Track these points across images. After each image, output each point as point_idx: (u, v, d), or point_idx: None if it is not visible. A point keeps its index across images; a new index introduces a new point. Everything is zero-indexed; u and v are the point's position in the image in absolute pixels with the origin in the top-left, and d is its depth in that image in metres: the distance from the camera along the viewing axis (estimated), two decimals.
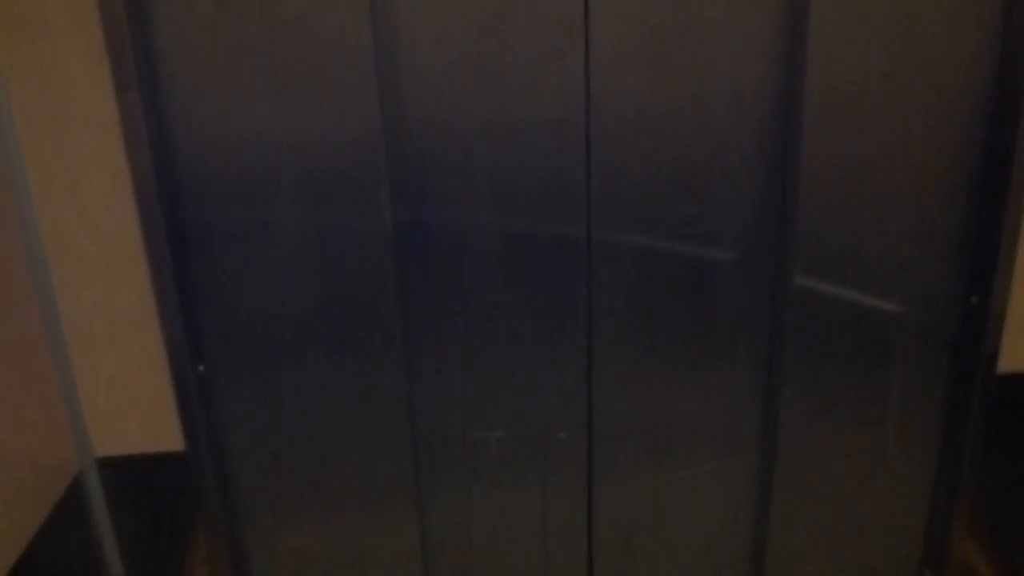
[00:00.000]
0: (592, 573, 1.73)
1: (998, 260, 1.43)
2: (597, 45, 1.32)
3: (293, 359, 1.45)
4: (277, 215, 1.35)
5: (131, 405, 1.42)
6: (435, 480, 1.61)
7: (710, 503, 1.67)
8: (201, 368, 1.38)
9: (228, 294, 1.39)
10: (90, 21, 1.21)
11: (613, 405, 1.58)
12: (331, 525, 1.62)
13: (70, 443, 1.41)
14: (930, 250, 1.48)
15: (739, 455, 1.64)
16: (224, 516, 1.53)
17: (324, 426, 1.51)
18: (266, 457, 1.53)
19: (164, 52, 1.25)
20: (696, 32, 1.34)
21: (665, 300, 1.50)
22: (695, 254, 1.47)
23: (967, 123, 1.40)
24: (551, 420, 1.57)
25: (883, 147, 1.40)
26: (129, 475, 1.49)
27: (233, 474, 1.54)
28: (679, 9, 1.32)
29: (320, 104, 1.29)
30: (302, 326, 1.43)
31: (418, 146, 1.35)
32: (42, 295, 1.32)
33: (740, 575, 1.75)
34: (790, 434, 1.59)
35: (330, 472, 1.56)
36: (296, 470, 1.55)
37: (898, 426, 1.62)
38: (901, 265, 1.48)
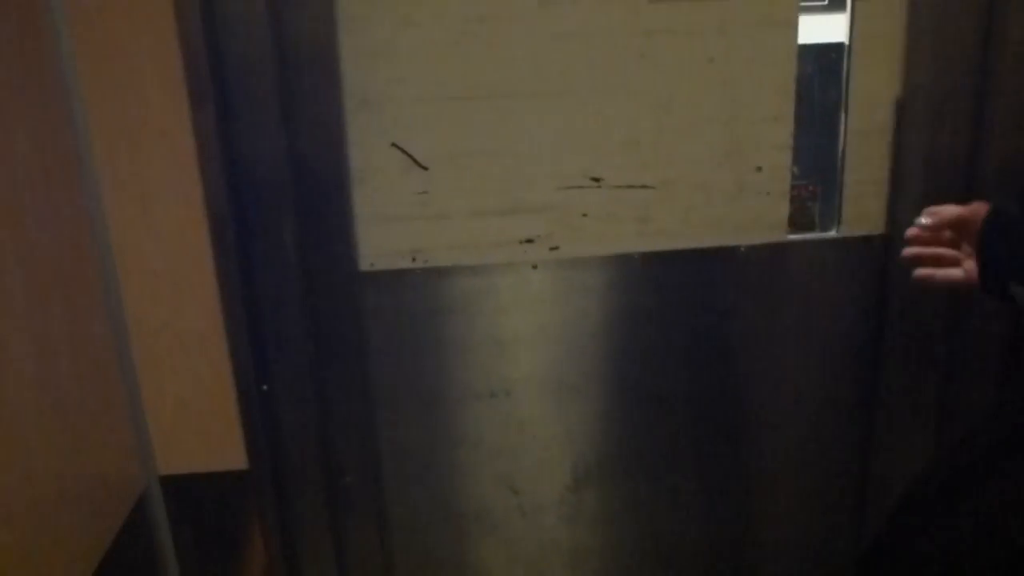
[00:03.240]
0: None
1: None
2: None
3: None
4: None
5: (196, 423, 1.43)
6: None
7: None
8: (265, 387, 1.39)
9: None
10: (168, 39, 1.23)
11: None
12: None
13: (135, 462, 1.43)
14: None
15: None
16: (283, 535, 1.54)
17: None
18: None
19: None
20: None
21: None
22: None
23: None
24: None
25: None
26: (191, 493, 1.50)
27: (294, 493, 1.55)
28: None
29: None
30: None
31: None
32: (112, 313, 1.34)
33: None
34: None
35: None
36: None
37: None
38: None
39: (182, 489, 1.49)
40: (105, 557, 1.27)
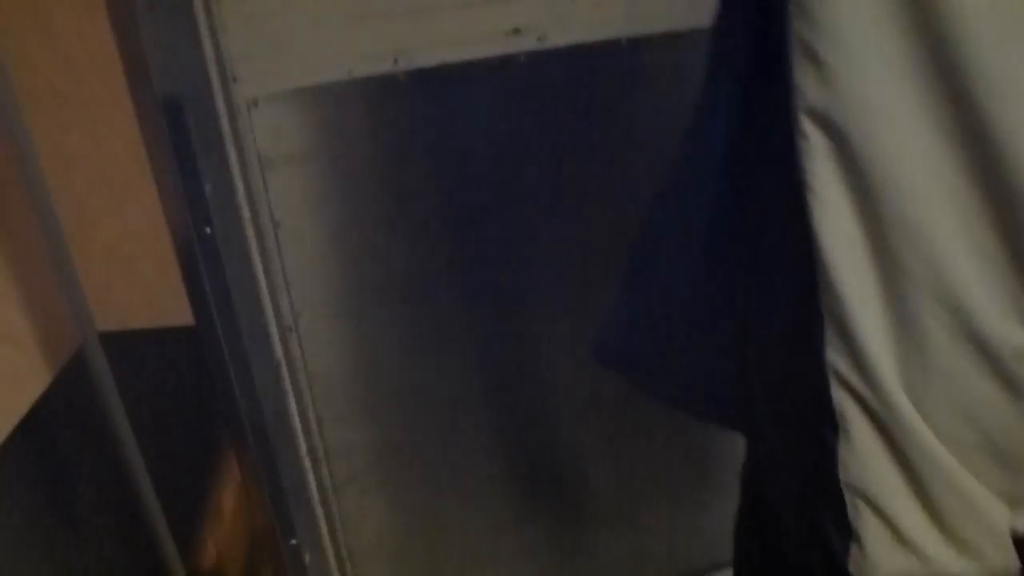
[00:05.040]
0: None
1: None
2: None
3: None
4: None
5: (131, 274, 1.22)
6: None
7: None
8: (208, 230, 1.15)
9: None
10: None
11: None
12: None
13: (66, 317, 1.23)
14: None
15: None
16: (244, 395, 1.36)
17: None
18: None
19: None
20: None
21: None
22: None
23: None
24: None
25: None
26: (138, 351, 1.32)
27: (252, 349, 1.35)
28: None
29: None
30: None
31: None
32: (18, 144, 1.10)
33: None
34: None
35: None
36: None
37: None
38: None
39: (127, 347, 1.31)
40: (31, 415, 1.10)
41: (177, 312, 1.23)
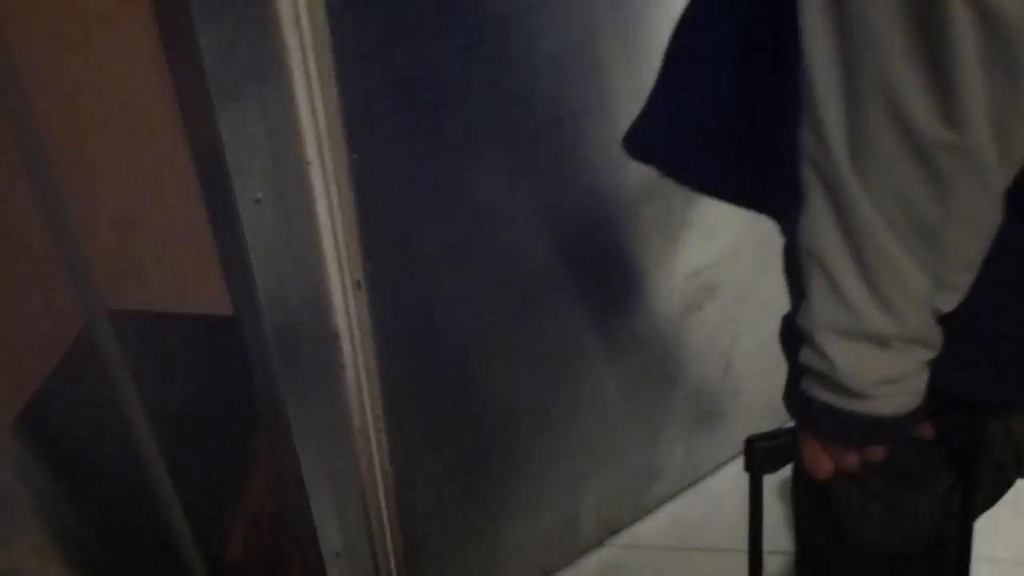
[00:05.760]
0: None
1: None
2: None
3: None
4: None
5: (151, 245, 0.94)
6: None
7: None
8: (260, 196, 0.83)
9: None
10: None
11: None
12: None
13: (70, 291, 0.97)
14: None
15: None
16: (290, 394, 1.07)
17: None
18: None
19: None
20: None
21: None
22: None
23: None
24: None
25: None
26: (160, 335, 1.11)
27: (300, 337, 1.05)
28: None
29: None
30: None
31: None
32: None
33: None
34: None
35: None
36: None
37: None
38: None
39: (146, 330, 1.08)
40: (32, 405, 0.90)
41: (210, 297, 0.94)
